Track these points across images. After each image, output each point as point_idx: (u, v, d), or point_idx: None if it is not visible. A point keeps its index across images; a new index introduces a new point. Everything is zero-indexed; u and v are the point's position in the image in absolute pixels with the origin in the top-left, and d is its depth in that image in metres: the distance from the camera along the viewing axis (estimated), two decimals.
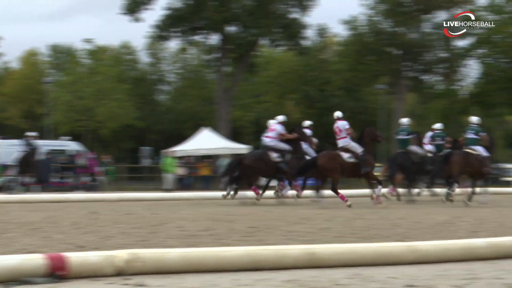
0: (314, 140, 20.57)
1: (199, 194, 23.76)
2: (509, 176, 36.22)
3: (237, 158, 21.00)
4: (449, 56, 44.83)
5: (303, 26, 44.83)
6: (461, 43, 45.35)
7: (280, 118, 19.66)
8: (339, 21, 45.39)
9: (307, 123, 20.83)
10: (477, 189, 19.70)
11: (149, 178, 42.30)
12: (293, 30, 44.06)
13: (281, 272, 7.51)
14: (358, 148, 17.83)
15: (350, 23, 44.96)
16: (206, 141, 36.27)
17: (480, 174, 19.50)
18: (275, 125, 19.37)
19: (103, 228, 11.18)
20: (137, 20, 43.23)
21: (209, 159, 37.80)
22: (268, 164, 18.92)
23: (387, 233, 11.44)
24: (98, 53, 52.14)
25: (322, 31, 51.06)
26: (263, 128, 21.76)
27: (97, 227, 11.52)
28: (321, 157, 17.99)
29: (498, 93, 42.77)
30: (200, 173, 36.52)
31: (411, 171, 20.59)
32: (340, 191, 18.03)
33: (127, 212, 15.53)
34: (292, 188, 20.16)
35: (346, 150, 17.82)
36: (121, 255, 6.79)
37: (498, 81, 42.97)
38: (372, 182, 18.28)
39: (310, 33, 46.60)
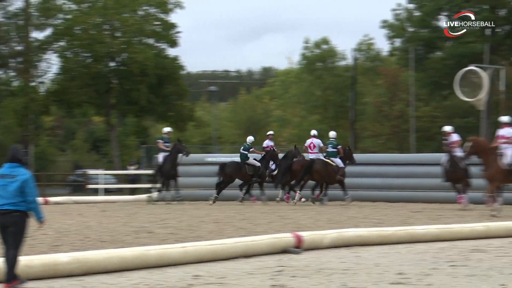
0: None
1: None
2: (96, 184, 34.95)
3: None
4: (24, 50, 44.79)
5: None
6: (39, 35, 45.63)
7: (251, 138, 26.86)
8: None
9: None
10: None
11: None
12: None
13: None
14: None
15: None
16: None
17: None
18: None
19: None
20: None
21: None
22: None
23: None
24: None
25: None
26: None
27: None
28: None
29: (80, 90, 43.44)
30: None
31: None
32: None
33: None
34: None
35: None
36: None
37: (80, 77, 43.70)
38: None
39: None
